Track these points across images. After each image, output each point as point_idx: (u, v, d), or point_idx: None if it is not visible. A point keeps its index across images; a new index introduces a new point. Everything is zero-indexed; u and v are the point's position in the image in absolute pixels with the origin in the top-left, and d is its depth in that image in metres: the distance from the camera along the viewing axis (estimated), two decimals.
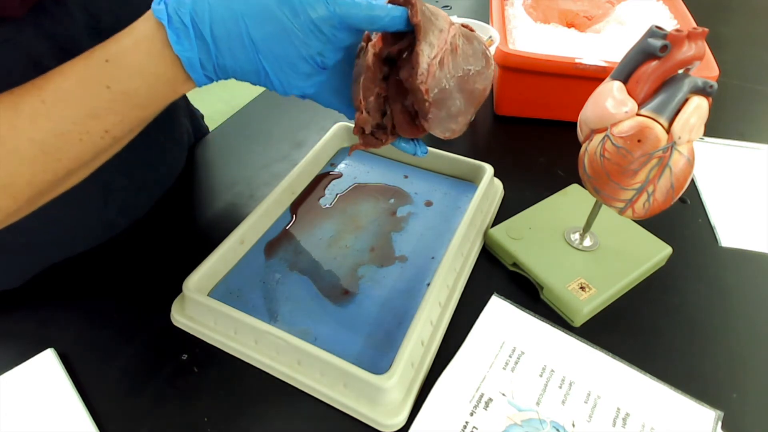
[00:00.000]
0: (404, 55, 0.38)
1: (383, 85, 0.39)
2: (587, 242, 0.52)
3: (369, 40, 0.38)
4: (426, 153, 0.44)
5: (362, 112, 0.38)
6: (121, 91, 0.33)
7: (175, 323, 0.47)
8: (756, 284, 0.53)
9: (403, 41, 0.37)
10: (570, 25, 0.77)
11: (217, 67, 0.34)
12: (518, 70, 0.68)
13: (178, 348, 0.46)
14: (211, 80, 0.35)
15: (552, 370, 0.44)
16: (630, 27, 0.78)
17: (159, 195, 0.59)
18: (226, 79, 0.35)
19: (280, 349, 0.43)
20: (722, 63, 0.67)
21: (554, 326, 0.47)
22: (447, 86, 0.38)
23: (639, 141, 0.39)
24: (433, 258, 0.52)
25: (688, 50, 0.37)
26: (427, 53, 0.36)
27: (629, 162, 0.40)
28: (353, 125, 0.40)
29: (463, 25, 0.41)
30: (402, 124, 0.40)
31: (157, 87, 0.34)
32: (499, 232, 0.54)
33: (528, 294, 0.51)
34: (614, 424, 0.41)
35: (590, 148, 0.43)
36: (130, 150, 0.52)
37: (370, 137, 0.41)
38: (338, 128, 0.65)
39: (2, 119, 0.31)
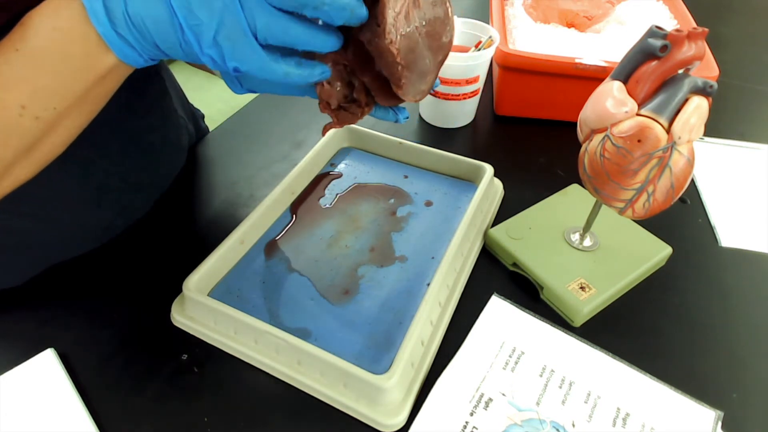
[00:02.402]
0: None
1: (343, 54, 0.34)
2: (587, 242, 0.52)
3: None
4: (408, 117, 0.40)
5: (323, 85, 0.34)
6: (29, 52, 0.31)
7: (175, 323, 0.47)
8: (756, 284, 0.53)
9: None
10: (570, 25, 0.77)
11: (128, 17, 0.30)
12: (518, 70, 0.68)
13: (178, 348, 0.46)
14: (129, 44, 0.31)
15: (552, 370, 0.44)
16: (630, 27, 0.78)
17: (157, 196, 0.59)
18: (149, 49, 0.32)
19: (280, 349, 0.43)
20: (722, 63, 0.67)
21: (554, 326, 0.47)
22: (416, 43, 0.34)
23: (639, 141, 0.39)
24: (433, 258, 0.52)
25: (688, 50, 0.37)
26: (392, 6, 0.31)
27: (629, 162, 0.40)
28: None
29: None
30: (379, 93, 0.36)
31: (66, 48, 0.31)
32: (499, 232, 0.54)
33: (528, 294, 0.51)
34: (614, 424, 0.41)
35: (590, 148, 0.43)
36: (121, 152, 0.52)
37: (343, 113, 0.36)
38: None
39: None
